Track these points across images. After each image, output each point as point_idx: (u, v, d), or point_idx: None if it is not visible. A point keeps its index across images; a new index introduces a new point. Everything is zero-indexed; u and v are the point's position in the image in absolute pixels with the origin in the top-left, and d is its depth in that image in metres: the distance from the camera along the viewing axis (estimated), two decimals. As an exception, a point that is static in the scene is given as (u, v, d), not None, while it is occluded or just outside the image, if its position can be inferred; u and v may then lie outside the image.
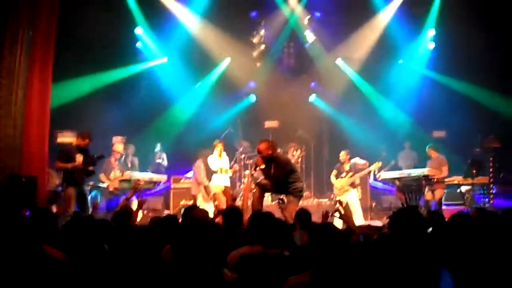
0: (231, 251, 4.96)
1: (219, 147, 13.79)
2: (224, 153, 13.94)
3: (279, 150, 11.48)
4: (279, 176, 10.25)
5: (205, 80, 17.61)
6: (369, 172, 14.20)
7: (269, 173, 10.36)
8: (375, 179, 14.92)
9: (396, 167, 15.19)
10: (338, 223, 9.73)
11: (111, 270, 3.91)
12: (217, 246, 3.30)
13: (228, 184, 13.94)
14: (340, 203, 7.34)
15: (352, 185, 13.70)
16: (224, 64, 17.59)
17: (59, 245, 4.75)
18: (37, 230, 4.59)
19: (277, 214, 8.48)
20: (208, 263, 3.27)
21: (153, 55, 17.09)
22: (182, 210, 6.68)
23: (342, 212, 7.08)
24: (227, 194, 13.32)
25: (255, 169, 10.82)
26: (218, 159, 13.74)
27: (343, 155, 13.95)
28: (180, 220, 6.42)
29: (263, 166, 10.38)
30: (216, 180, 13.66)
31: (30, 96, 12.24)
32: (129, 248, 4.35)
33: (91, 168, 11.37)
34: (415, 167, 14.60)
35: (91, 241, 4.07)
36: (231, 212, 6.49)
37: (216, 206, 12.21)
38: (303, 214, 7.11)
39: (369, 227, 7.82)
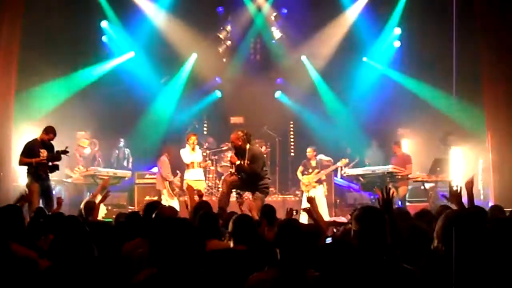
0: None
1: (192, 139, 13.27)
2: (197, 147, 13.49)
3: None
4: (252, 169, 10.29)
5: (171, 76, 17.43)
6: (336, 169, 14.28)
7: (243, 167, 10.39)
8: (341, 176, 15.03)
9: (362, 165, 15.24)
10: (304, 220, 9.80)
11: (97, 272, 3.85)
12: (191, 244, 3.29)
13: (202, 178, 13.60)
14: (311, 200, 7.31)
15: (319, 181, 13.78)
16: (192, 61, 17.44)
17: (26, 242, 4.70)
18: (4, 228, 4.52)
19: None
20: (184, 261, 3.26)
21: (118, 49, 16.90)
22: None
23: (315, 208, 7.10)
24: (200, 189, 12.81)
25: (232, 167, 10.77)
26: (191, 153, 13.27)
27: (310, 151, 14.02)
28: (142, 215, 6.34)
29: (238, 162, 10.39)
30: (189, 174, 13.19)
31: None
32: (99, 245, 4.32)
33: (55, 163, 11.27)
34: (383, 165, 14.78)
35: (84, 245, 3.97)
36: (201, 207, 6.45)
37: (185, 201, 11.94)
38: (269, 210, 7.14)
39: (334, 222, 7.87)
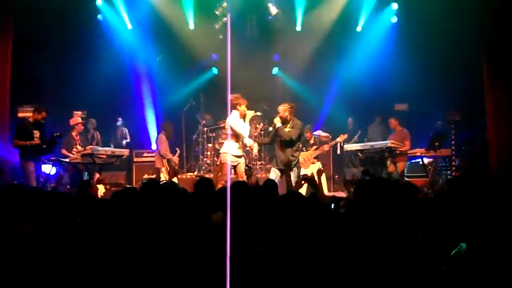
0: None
1: (243, 106, 11.10)
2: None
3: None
4: (289, 136, 10.72)
5: (167, 53, 17.31)
6: (335, 144, 14.21)
7: (283, 131, 10.80)
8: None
9: (364, 137, 15.33)
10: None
11: (84, 243, 3.86)
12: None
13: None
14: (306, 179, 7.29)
15: (317, 157, 13.74)
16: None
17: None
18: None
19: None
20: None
21: (114, 26, 16.75)
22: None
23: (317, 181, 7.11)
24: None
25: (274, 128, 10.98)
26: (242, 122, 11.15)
27: (306, 128, 13.96)
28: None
29: (279, 125, 10.79)
30: (231, 147, 11.15)
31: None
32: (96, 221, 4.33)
33: (46, 146, 11.45)
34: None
35: (63, 215, 4.01)
36: (203, 183, 6.40)
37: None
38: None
39: (333, 197, 7.87)
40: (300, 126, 10.99)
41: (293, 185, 7.56)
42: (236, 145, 11.13)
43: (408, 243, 3.80)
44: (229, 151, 11.06)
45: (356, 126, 16.21)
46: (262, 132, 15.38)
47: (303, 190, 10.49)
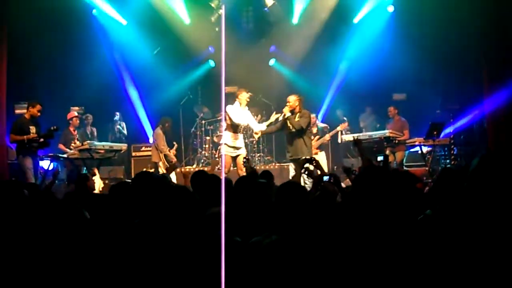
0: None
1: (244, 95, 11.57)
2: (246, 107, 11.67)
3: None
4: (299, 125, 10.94)
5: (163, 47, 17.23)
6: (337, 133, 14.18)
7: (292, 120, 11.02)
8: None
9: (354, 126, 15.36)
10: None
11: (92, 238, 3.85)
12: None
13: (243, 146, 11.79)
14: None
15: (320, 147, 13.72)
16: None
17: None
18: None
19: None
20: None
21: (109, 21, 16.67)
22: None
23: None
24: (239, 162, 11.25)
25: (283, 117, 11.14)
26: (241, 111, 11.54)
27: (313, 117, 13.88)
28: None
29: (288, 114, 10.98)
30: (229, 138, 11.43)
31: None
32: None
33: (43, 140, 11.48)
34: (376, 130, 14.74)
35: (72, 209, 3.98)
36: (199, 176, 6.34)
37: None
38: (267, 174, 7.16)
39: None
40: (308, 114, 11.28)
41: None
42: (233, 135, 11.36)
43: (406, 230, 3.78)
44: (225, 141, 11.30)
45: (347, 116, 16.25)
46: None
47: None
